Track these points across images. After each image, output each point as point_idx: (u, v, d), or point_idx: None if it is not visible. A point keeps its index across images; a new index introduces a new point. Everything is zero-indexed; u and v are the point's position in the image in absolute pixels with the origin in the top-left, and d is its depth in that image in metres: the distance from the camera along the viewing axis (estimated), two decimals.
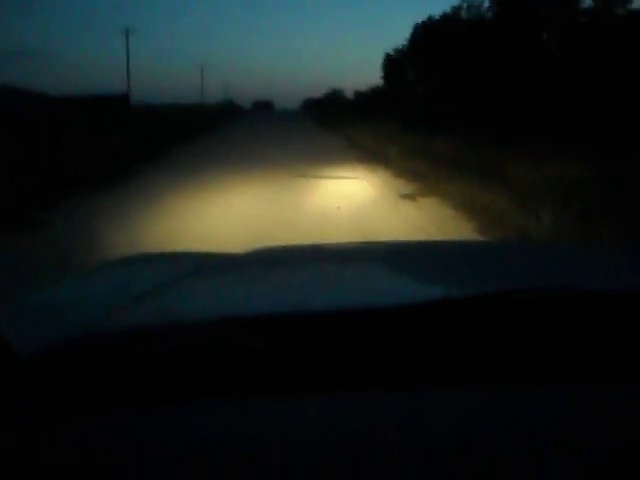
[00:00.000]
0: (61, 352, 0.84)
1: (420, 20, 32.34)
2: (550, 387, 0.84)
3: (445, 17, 27.75)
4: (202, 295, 1.32)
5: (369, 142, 19.51)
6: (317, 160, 15.05)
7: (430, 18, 31.04)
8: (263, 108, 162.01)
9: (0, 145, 11.69)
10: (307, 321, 0.93)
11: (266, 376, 0.84)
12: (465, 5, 24.79)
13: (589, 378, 0.85)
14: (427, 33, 29.88)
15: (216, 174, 12.06)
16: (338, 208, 8.26)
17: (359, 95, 49.88)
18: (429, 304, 0.93)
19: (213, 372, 0.84)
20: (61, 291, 1.52)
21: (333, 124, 34.92)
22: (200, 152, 18.22)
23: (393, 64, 36.54)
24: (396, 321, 0.90)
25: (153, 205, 8.61)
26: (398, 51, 36.03)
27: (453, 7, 26.09)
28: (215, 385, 0.83)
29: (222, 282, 1.48)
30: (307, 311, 0.98)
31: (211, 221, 7.47)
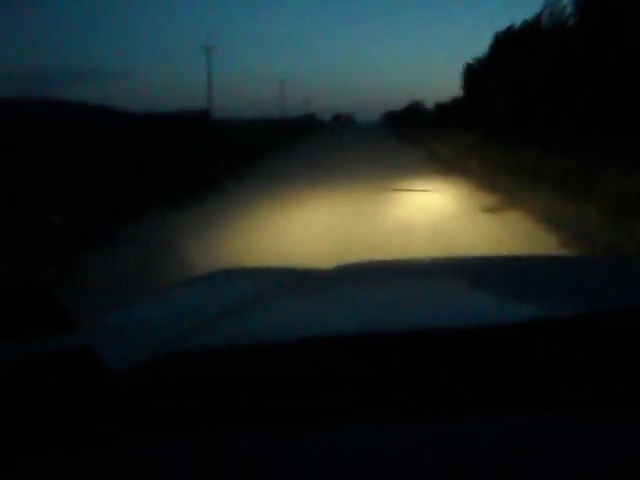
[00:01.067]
0: (146, 371, 0.85)
1: (501, 29, 31.89)
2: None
3: (526, 25, 27.29)
4: (285, 314, 1.30)
5: (449, 154, 19.32)
6: (397, 172, 14.99)
7: (511, 27, 30.57)
8: (343, 121, 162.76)
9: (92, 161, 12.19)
10: (390, 342, 0.90)
11: (344, 398, 0.81)
12: (547, 12, 24.26)
13: None
14: (508, 42, 29.42)
15: (297, 187, 12.26)
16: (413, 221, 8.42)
17: (439, 107, 49.65)
18: (519, 325, 0.91)
19: (291, 394, 0.83)
20: (145, 308, 1.53)
21: (413, 136, 34.67)
22: (282, 167, 18.31)
23: (473, 74, 36.13)
24: (484, 342, 0.87)
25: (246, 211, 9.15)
26: (478, 61, 35.62)
27: (536, 14, 25.49)
28: (291, 408, 0.81)
29: (305, 300, 1.47)
30: (391, 331, 0.96)
31: (293, 234, 7.64)
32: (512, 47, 27.84)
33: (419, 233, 7.66)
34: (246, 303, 1.30)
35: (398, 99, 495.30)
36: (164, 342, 1.00)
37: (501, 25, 50.24)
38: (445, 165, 17.26)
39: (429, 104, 65.53)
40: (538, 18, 25.33)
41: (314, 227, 8.19)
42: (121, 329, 1.28)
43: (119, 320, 1.38)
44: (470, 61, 37.29)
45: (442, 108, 45.65)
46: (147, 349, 0.92)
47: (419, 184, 12.83)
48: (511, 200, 9.91)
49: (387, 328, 1.01)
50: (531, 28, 26.42)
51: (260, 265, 3.18)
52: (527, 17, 28.39)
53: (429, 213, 9.22)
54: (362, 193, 11.19)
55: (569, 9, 22.98)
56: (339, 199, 10.64)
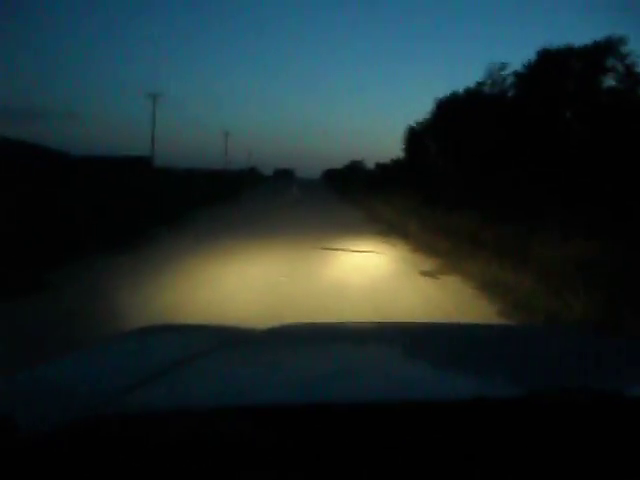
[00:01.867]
0: (64, 434, 0.83)
1: (443, 95, 32.69)
2: None
3: (468, 92, 28.04)
4: (214, 378, 1.28)
5: (389, 215, 19.50)
6: (336, 232, 15.00)
7: (454, 93, 31.37)
8: (284, 176, 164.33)
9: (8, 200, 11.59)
10: (316, 415, 0.89)
11: (264, 475, 0.79)
12: (489, 81, 25.01)
13: None
14: (449, 107, 30.12)
15: (233, 241, 12.20)
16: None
17: (380, 167, 50.15)
18: (453, 403, 0.89)
19: (212, 464, 0.81)
20: (72, 364, 1.48)
21: (353, 195, 35.21)
22: (220, 218, 18.25)
23: (414, 137, 36.82)
24: (415, 419, 0.86)
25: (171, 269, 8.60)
26: (420, 124, 36.36)
27: (477, 82, 26.26)
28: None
29: (236, 363, 1.44)
30: (318, 404, 0.94)
31: (223, 289, 7.40)
32: (453, 112, 28.50)
33: (356, 294, 7.49)
34: (175, 365, 1.27)
35: (339, 158, 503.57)
36: (87, 404, 0.98)
37: (442, 91, 51.56)
38: (385, 225, 17.37)
39: (370, 164, 66.31)
40: (480, 86, 26.03)
41: (249, 282, 8.01)
42: (42, 386, 1.22)
43: (41, 376, 1.33)
44: (412, 124, 38.01)
45: (382, 168, 46.22)
46: (70, 411, 0.91)
47: (359, 244, 12.82)
48: (450, 264, 9.90)
49: (317, 399, 1.00)
50: (472, 95, 27.12)
51: (192, 322, 3.05)
52: (467, 85, 29.24)
53: (368, 274, 9.12)
54: (301, 253, 11.10)
55: (510, 79, 23.72)
56: (277, 256, 10.49)
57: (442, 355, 1.49)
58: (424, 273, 9.42)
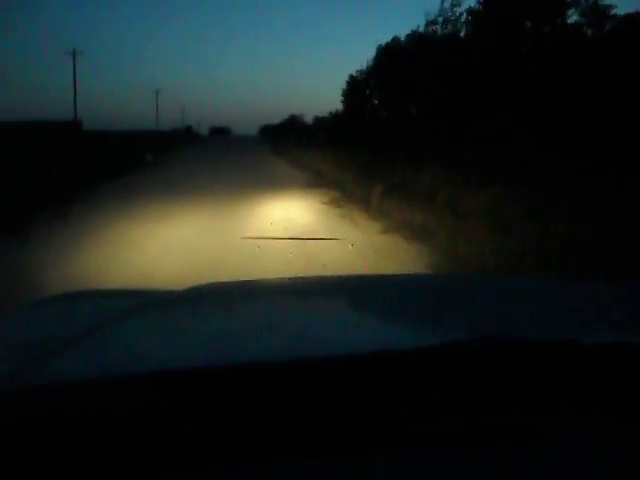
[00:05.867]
0: None
1: (385, 41, 30.54)
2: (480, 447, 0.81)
3: (414, 35, 25.91)
4: (126, 344, 1.23)
5: (321, 168, 19.50)
6: (269, 184, 15.30)
7: (395, 39, 29.31)
8: (220, 134, 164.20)
9: None
10: (236, 377, 0.88)
11: (179, 445, 0.78)
12: (440, 20, 22.75)
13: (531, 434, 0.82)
14: (393, 53, 28.12)
15: (164, 203, 12.09)
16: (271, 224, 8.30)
17: (318, 120, 47.95)
18: (376, 355, 0.90)
19: (123, 435, 0.79)
20: None
21: (289, 150, 35.46)
22: (152, 182, 17.75)
23: (356, 87, 34.79)
24: (342, 374, 0.87)
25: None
26: (361, 72, 34.23)
27: (427, 21, 23.87)
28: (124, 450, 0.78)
29: (152, 327, 1.40)
30: (234, 366, 0.92)
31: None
32: (397, 58, 26.53)
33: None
34: (89, 331, 1.26)
35: (278, 113, 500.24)
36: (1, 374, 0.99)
37: (387, 37, 49.04)
38: (320, 178, 17.52)
39: (309, 119, 63.94)
40: (430, 27, 23.87)
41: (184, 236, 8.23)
42: None
43: None
44: (354, 74, 35.77)
45: (321, 122, 44.06)
46: None
47: (293, 197, 12.77)
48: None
49: (240, 359, 0.99)
50: (421, 38, 25.01)
51: (114, 286, 3.03)
52: (410, 30, 27.08)
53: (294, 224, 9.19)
54: (231, 205, 11.33)
55: (463, 17, 21.68)
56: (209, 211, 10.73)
57: (374, 308, 1.48)
58: (323, 202, 10.79)
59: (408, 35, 27.02)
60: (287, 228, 8.76)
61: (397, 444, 0.78)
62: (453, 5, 22.06)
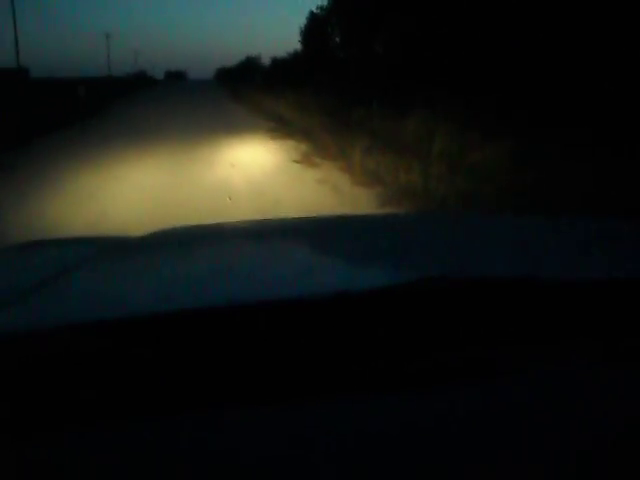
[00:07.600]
0: None
1: None
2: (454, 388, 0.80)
3: None
4: (91, 290, 1.20)
5: (281, 110, 18.95)
6: (223, 129, 15.15)
7: None
8: (176, 79, 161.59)
9: None
10: (199, 320, 0.87)
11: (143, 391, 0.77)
12: None
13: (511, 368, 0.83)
14: None
15: (120, 150, 11.84)
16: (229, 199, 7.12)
17: (275, 61, 45.88)
18: (339, 295, 0.90)
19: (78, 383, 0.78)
20: None
21: (245, 94, 34.59)
22: (107, 126, 17.62)
23: (316, 25, 32.59)
24: (302, 316, 0.88)
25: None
26: (322, 8, 32.01)
27: None
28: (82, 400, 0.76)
29: (110, 274, 1.36)
30: (201, 309, 0.90)
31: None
32: None
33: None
34: (46, 281, 1.20)
35: (235, 55, 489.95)
36: None
37: None
38: (286, 127, 16.10)
39: (267, 60, 61.66)
40: None
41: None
42: None
43: None
44: (315, 10, 33.48)
45: (278, 63, 42.20)
46: None
47: (257, 154, 11.53)
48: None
49: (203, 304, 0.95)
50: None
51: (75, 234, 3.02)
52: None
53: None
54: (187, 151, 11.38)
55: None
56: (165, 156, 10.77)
57: (336, 248, 1.45)
58: (295, 161, 9.76)
59: None
60: (253, 208, 6.73)
61: (357, 386, 0.77)
62: None
